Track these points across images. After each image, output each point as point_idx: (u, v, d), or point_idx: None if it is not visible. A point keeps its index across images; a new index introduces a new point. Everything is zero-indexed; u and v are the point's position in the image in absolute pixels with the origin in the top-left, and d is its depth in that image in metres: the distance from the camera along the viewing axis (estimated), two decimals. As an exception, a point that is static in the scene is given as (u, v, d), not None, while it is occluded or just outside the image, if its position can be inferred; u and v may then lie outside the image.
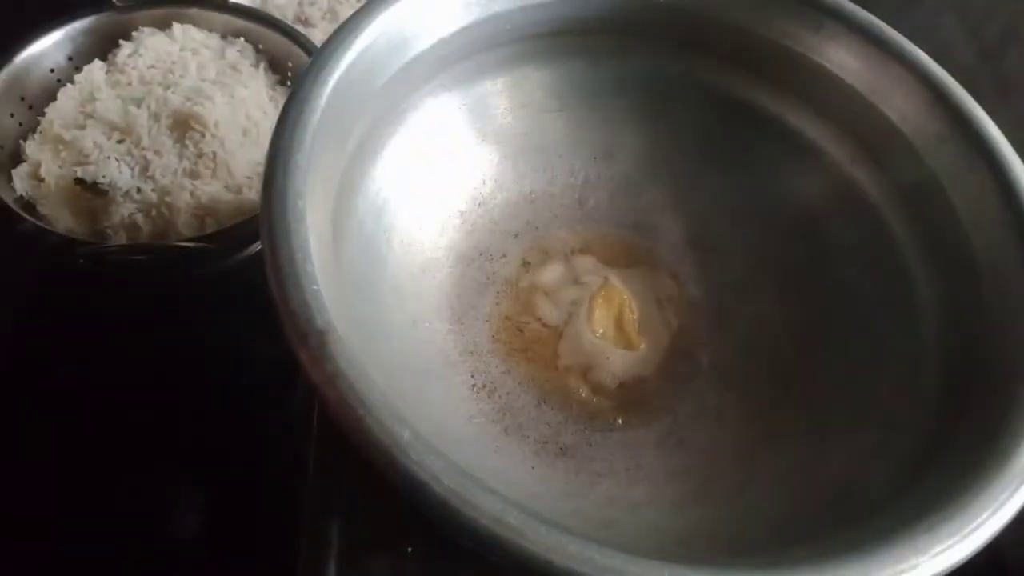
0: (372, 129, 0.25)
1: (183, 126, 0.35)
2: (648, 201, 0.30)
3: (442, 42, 0.26)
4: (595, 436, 0.25)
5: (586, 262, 0.29)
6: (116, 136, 0.35)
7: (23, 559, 0.29)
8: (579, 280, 0.29)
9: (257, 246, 0.32)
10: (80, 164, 0.34)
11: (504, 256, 0.29)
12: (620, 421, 0.26)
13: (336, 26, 0.24)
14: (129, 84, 0.37)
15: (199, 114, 0.35)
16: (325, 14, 0.44)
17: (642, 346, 0.27)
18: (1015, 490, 0.19)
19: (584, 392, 0.26)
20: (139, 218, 0.33)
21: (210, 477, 0.30)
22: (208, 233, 0.32)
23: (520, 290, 0.28)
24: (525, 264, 0.29)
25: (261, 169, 0.21)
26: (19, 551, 0.29)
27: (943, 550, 0.18)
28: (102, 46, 0.38)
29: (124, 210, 0.33)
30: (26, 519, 0.30)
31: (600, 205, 0.30)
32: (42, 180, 0.34)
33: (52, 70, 0.37)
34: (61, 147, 0.35)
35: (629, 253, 0.30)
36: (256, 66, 0.39)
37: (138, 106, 0.36)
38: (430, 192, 0.28)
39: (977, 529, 0.18)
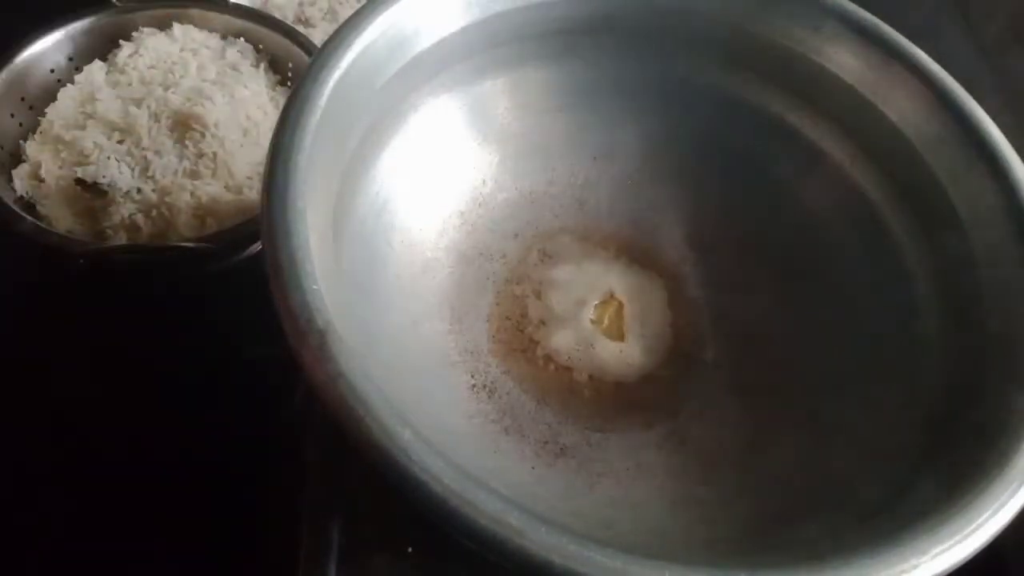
0: (372, 129, 0.25)
1: (183, 126, 0.35)
2: (648, 201, 0.30)
3: (442, 42, 0.26)
4: (595, 436, 0.25)
5: (586, 262, 0.29)
6: (116, 136, 0.35)
7: (17, 558, 0.29)
8: (579, 280, 0.29)
9: (257, 246, 0.32)
10: (80, 164, 0.34)
11: (504, 256, 0.29)
12: (620, 421, 0.26)
13: (336, 26, 0.24)
14: (129, 84, 0.37)
15: (199, 114, 0.35)
16: (325, 14, 0.44)
17: (630, 340, 0.27)
18: (1015, 491, 0.19)
19: (584, 392, 0.26)
20: (139, 218, 0.33)
21: (210, 477, 0.30)
22: (208, 233, 0.32)
23: (520, 290, 0.28)
24: (526, 264, 0.29)
25: (261, 169, 0.21)
26: (13, 550, 0.29)
27: (943, 551, 0.18)
28: (102, 46, 0.38)
29: (124, 210, 0.33)
30: (23, 518, 0.30)
31: (600, 205, 0.30)
32: (42, 180, 0.34)
33: (52, 70, 0.37)
34: (61, 147, 0.35)
35: (630, 253, 0.30)
36: (256, 66, 0.39)
37: (138, 106, 0.35)
38: (430, 192, 0.28)
39: (977, 530, 0.18)
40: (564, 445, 0.25)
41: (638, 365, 0.27)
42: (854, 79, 0.27)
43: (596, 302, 0.28)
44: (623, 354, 0.27)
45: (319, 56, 0.23)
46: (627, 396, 0.26)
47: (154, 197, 0.34)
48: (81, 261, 0.31)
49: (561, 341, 0.27)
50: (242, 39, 0.40)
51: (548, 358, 0.27)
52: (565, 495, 0.23)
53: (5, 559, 0.29)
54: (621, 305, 0.28)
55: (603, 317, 0.28)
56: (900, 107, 0.26)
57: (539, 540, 0.16)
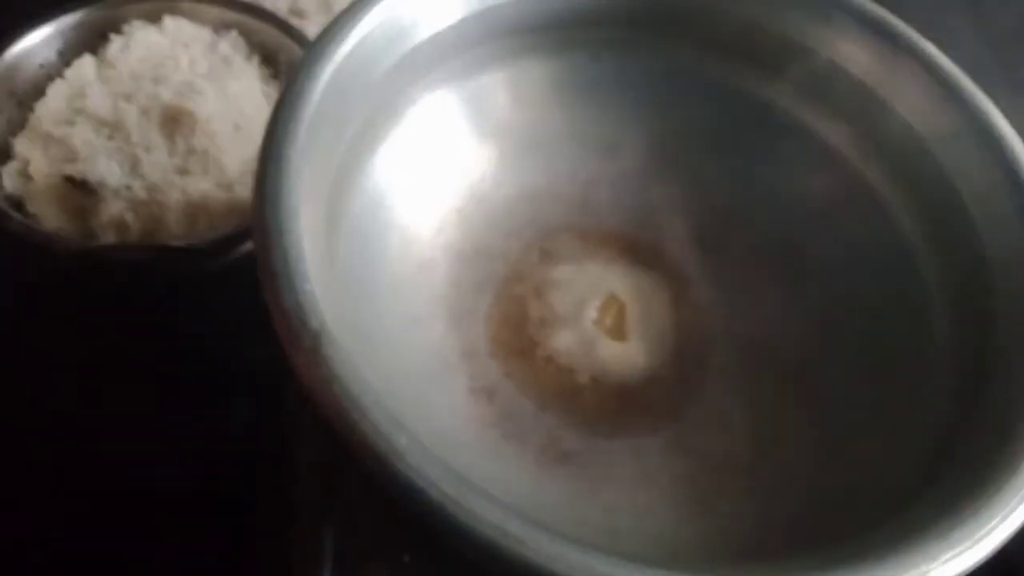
0: (368, 124, 0.24)
1: (173, 122, 0.34)
2: (653, 199, 0.30)
3: (440, 34, 0.25)
4: (598, 441, 0.25)
5: (588, 261, 0.29)
6: (106, 132, 0.34)
7: (17, 558, 0.29)
8: (580, 280, 0.28)
9: (249, 245, 0.31)
10: (69, 161, 0.34)
11: (503, 255, 0.28)
12: (624, 426, 0.25)
13: (330, 18, 0.23)
14: (119, 79, 0.36)
15: (189, 109, 0.34)
16: (319, 6, 0.43)
17: (633, 340, 0.27)
18: (1027, 495, 0.19)
19: (586, 395, 0.26)
20: (129, 216, 0.33)
21: (200, 482, 0.30)
22: (199, 232, 0.32)
23: (520, 290, 0.28)
24: (526, 263, 0.28)
25: (253, 166, 0.20)
26: (13, 550, 0.29)
27: (953, 556, 0.17)
28: (92, 41, 0.38)
29: (113, 208, 0.33)
30: (23, 518, 0.29)
31: (603, 203, 0.30)
32: (31, 178, 0.34)
33: (42, 65, 0.36)
34: (50, 144, 0.34)
35: (633, 253, 0.29)
36: (249, 59, 0.38)
37: (128, 101, 0.35)
38: (428, 188, 0.27)
39: (988, 534, 0.18)
40: (566, 451, 0.24)
41: (641, 366, 0.27)
42: (864, 73, 0.27)
43: (598, 302, 0.28)
44: (626, 355, 0.27)
45: (313, 49, 0.22)
46: (630, 399, 0.26)
47: (144, 194, 0.33)
48: (68, 260, 0.30)
49: (562, 342, 0.26)
50: (234, 32, 0.39)
51: (549, 359, 0.26)
52: (567, 502, 0.23)
53: (5, 559, 0.28)
54: (623, 305, 0.28)
55: (605, 317, 0.27)
56: (910, 102, 0.26)
57: (540, 548, 0.16)
